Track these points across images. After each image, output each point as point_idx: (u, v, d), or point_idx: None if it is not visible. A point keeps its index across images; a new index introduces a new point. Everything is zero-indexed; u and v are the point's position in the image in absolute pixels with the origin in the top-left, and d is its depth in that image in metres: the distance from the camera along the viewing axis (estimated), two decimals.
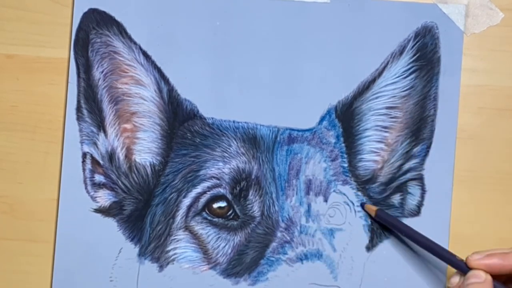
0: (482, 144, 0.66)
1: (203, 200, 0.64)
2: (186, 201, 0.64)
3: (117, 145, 0.65)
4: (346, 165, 0.65)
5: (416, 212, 0.65)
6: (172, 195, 0.65)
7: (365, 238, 0.65)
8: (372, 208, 0.64)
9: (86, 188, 0.65)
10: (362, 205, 0.65)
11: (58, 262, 0.65)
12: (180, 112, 0.66)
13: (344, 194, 0.65)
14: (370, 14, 0.66)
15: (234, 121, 0.66)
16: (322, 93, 0.66)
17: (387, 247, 0.65)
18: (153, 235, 0.65)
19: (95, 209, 0.65)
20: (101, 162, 0.65)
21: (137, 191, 0.65)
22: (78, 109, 0.66)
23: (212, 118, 0.66)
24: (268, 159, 0.65)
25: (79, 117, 0.66)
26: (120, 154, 0.65)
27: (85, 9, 0.66)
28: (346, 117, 0.66)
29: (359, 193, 0.65)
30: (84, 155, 0.66)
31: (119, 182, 0.65)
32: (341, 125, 0.66)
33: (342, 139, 0.66)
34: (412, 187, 0.65)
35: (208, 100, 0.66)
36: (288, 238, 0.64)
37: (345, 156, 0.66)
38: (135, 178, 0.65)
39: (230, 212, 0.64)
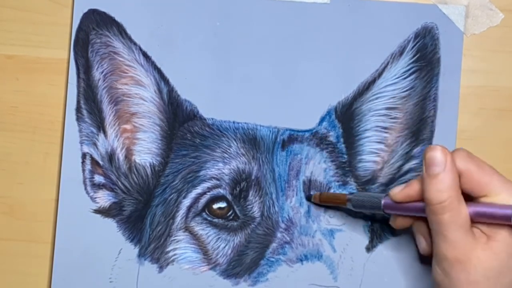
0: (482, 145, 0.66)
1: (203, 200, 0.64)
2: (186, 202, 0.64)
3: (117, 145, 0.65)
4: (346, 165, 0.65)
5: None
6: (172, 195, 0.65)
7: (365, 239, 0.65)
8: (316, 196, 0.64)
9: (85, 188, 0.65)
10: (308, 199, 0.65)
11: (57, 262, 0.65)
12: (180, 113, 0.66)
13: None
14: (370, 15, 0.66)
15: (234, 122, 0.66)
16: (322, 93, 0.66)
17: (387, 248, 0.65)
18: (153, 235, 0.65)
19: (94, 210, 0.65)
20: (100, 162, 0.65)
21: (137, 191, 0.65)
22: (78, 109, 0.66)
23: (212, 119, 0.66)
24: (268, 159, 0.65)
25: (79, 118, 0.66)
26: (120, 155, 0.65)
27: (85, 10, 0.66)
28: (346, 117, 0.66)
29: None
30: (84, 155, 0.65)
31: (119, 182, 0.65)
32: (341, 126, 0.66)
33: (342, 139, 0.66)
34: None
35: (208, 100, 0.66)
36: (288, 238, 0.64)
37: (345, 156, 0.66)
38: (135, 179, 0.65)
39: (230, 213, 0.64)
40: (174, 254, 0.65)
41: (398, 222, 0.60)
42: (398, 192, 0.58)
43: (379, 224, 0.65)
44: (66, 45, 0.66)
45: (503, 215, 0.54)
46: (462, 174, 0.55)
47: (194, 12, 0.66)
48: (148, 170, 0.65)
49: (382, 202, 0.59)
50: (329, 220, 0.65)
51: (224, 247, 0.64)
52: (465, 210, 0.55)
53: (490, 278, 0.53)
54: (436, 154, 0.55)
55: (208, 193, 0.64)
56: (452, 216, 0.54)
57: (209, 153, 0.65)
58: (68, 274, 0.65)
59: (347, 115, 0.66)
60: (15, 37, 0.67)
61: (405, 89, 0.65)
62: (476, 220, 0.55)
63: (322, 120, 0.66)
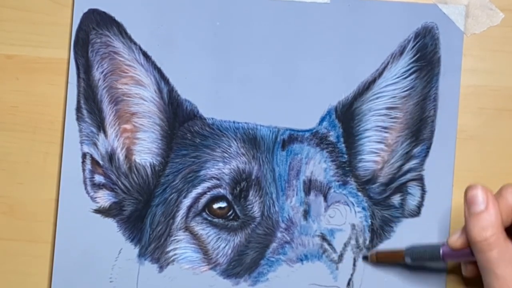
0: (482, 145, 0.66)
1: (203, 200, 0.64)
2: (186, 202, 0.64)
3: (117, 145, 0.65)
4: (346, 165, 0.65)
5: (416, 212, 0.65)
6: (172, 195, 0.65)
7: (365, 239, 0.65)
8: (373, 256, 0.64)
9: (86, 188, 0.65)
10: (365, 258, 0.65)
11: (57, 262, 0.65)
12: (180, 113, 0.66)
13: (344, 195, 0.65)
14: (370, 15, 0.66)
15: (234, 122, 0.66)
16: (322, 93, 0.66)
17: (388, 248, 0.65)
18: (153, 235, 0.65)
19: (94, 210, 0.65)
20: (101, 162, 0.65)
21: (137, 191, 0.65)
22: (78, 109, 0.66)
23: (212, 119, 0.66)
24: (268, 159, 0.65)
25: (79, 118, 0.66)
26: (120, 155, 0.65)
27: (85, 10, 0.66)
28: (346, 117, 0.66)
29: (359, 193, 0.65)
30: (84, 155, 0.65)
31: (119, 182, 0.65)
32: (341, 126, 0.66)
33: (342, 139, 0.66)
34: (412, 187, 0.65)
35: (208, 100, 0.66)
36: (288, 238, 0.64)
37: (345, 156, 0.66)
38: (135, 179, 0.65)
39: (230, 213, 0.64)
40: (174, 254, 0.65)
41: (469, 271, 0.60)
42: (456, 239, 0.57)
43: (379, 224, 0.65)
44: (66, 45, 0.66)
45: None
46: None
47: (194, 12, 0.66)
48: (148, 170, 0.65)
49: (441, 251, 0.59)
50: (329, 220, 0.65)
51: (224, 247, 0.64)
52: None
53: None
54: (478, 192, 0.55)
55: (208, 193, 0.64)
56: (500, 252, 0.53)
57: (209, 153, 0.65)
58: (68, 274, 0.65)
59: (347, 115, 0.66)
60: (15, 37, 0.67)
61: (405, 89, 0.65)
62: None
63: (322, 120, 0.66)
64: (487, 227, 0.54)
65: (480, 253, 0.55)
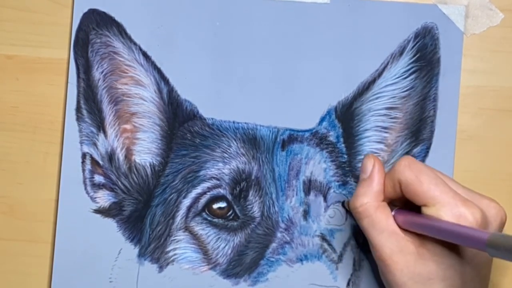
0: (482, 145, 0.66)
1: (203, 200, 0.64)
2: (186, 202, 0.64)
3: (116, 145, 0.65)
4: (346, 165, 0.65)
5: None
6: (172, 195, 0.65)
7: (365, 239, 0.65)
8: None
9: (85, 188, 0.65)
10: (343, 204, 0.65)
11: (57, 262, 0.65)
12: (180, 113, 0.66)
13: (344, 195, 0.65)
14: (370, 15, 0.66)
15: (234, 122, 0.66)
16: (322, 93, 0.66)
17: None
18: (153, 235, 0.65)
19: (94, 210, 0.65)
20: (100, 162, 0.65)
21: (136, 191, 0.65)
22: (78, 109, 0.66)
23: (212, 119, 0.66)
24: (268, 159, 0.65)
25: (79, 118, 0.66)
26: (120, 155, 0.65)
27: (85, 10, 0.66)
28: (346, 117, 0.66)
29: None
30: (84, 155, 0.65)
31: (119, 182, 0.65)
32: (341, 126, 0.66)
33: (342, 139, 0.66)
34: None
35: (208, 100, 0.66)
36: (288, 238, 0.64)
37: (345, 156, 0.66)
38: (135, 179, 0.65)
39: (230, 213, 0.64)
40: (174, 254, 0.65)
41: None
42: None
43: None
44: (66, 45, 0.66)
45: (428, 226, 0.54)
46: (401, 182, 0.56)
47: (194, 12, 0.66)
48: (148, 170, 0.65)
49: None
50: (329, 220, 0.65)
51: (224, 247, 0.64)
52: (384, 217, 0.56)
53: (418, 282, 0.54)
54: (364, 162, 0.58)
55: (208, 193, 0.64)
56: (370, 223, 0.56)
57: (209, 153, 0.65)
58: (68, 274, 0.65)
59: (347, 115, 0.66)
60: (15, 37, 0.67)
61: (405, 89, 0.65)
62: (406, 228, 0.56)
63: (322, 120, 0.66)
64: (359, 196, 0.57)
65: (356, 220, 0.58)
